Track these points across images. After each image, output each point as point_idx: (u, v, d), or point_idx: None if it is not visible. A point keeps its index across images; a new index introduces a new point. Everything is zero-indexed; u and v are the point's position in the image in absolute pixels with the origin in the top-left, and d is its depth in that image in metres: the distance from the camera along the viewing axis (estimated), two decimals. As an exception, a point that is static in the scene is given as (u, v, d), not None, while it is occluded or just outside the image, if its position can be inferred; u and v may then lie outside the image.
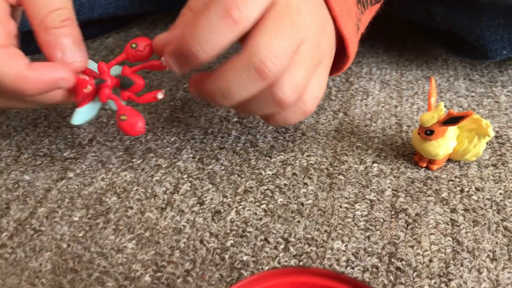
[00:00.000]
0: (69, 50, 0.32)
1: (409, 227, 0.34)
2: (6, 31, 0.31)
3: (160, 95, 0.34)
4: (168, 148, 0.41)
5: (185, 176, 0.38)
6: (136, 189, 0.37)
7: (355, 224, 0.35)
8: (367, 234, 0.34)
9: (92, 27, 0.57)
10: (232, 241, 0.33)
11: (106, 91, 0.34)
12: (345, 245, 0.33)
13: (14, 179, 0.37)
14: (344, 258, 0.32)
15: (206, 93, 0.33)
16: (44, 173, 0.38)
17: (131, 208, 0.35)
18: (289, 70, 0.32)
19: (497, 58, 0.49)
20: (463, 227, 0.34)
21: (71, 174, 0.38)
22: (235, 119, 0.44)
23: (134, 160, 0.39)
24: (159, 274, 0.31)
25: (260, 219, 0.35)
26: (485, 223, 0.35)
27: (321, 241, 0.33)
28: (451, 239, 0.34)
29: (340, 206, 0.36)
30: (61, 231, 0.34)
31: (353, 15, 0.37)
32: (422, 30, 0.58)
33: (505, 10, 0.45)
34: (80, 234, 0.33)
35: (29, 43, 0.37)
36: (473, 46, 0.49)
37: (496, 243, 0.33)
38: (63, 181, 0.37)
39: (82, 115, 0.34)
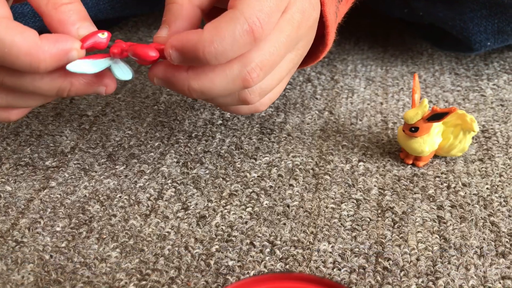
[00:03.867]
0: (83, 25, 0.31)
1: (396, 225, 0.34)
2: (7, 6, 0.30)
3: (153, 53, 0.31)
4: (152, 153, 0.40)
5: (169, 181, 0.38)
6: (120, 196, 0.36)
7: (341, 224, 0.34)
8: (354, 234, 0.34)
9: None
10: (217, 246, 0.33)
11: (119, 44, 0.32)
12: (332, 246, 0.33)
13: (-5, 190, 0.37)
14: (330, 260, 0.32)
15: (180, 86, 0.32)
16: (26, 183, 0.37)
17: (115, 216, 0.35)
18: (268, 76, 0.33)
19: (481, 50, 0.49)
20: (450, 224, 0.34)
21: (53, 183, 0.37)
22: (220, 122, 0.44)
23: (117, 166, 0.39)
24: (143, 282, 0.30)
25: (246, 222, 0.34)
26: (472, 219, 0.35)
27: (308, 243, 0.33)
28: (438, 237, 0.33)
29: (326, 207, 0.36)
30: (44, 242, 0.33)
31: (333, 1, 0.37)
32: (406, 24, 0.57)
33: (487, 1, 0.45)
34: (63, 245, 0.33)
35: None
36: (458, 39, 0.49)
37: (484, 239, 0.33)
38: (45, 191, 0.37)
39: (80, 65, 0.31)
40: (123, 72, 0.32)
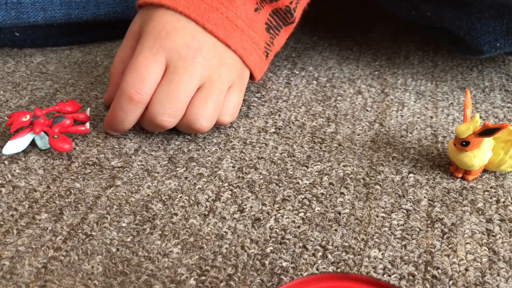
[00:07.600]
0: None
1: (445, 236, 0.35)
2: None
3: (87, 125, 0.45)
4: (209, 158, 0.43)
5: (225, 184, 0.40)
6: (180, 197, 0.39)
7: (391, 233, 0.35)
8: (404, 243, 0.35)
9: (101, 30, 0.60)
10: (271, 248, 0.35)
11: (40, 122, 0.42)
12: (382, 253, 0.34)
13: (66, 186, 0.40)
14: (381, 266, 0.33)
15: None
16: (94, 181, 0.40)
17: (176, 214, 0.37)
18: (201, 108, 0.41)
19: (492, 52, 0.47)
20: (499, 237, 0.35)
21: (118, 182, 0.40)
22: (272, 130, 0.46)
23: (177, 169, 0.41)
24: (203, 278, 0.33)
25: (298, 227, 0.36)
26: (521, 234, 0.35)
27: (358, 249, 0.34)
28: (487, 249, 0.34)
29: (377, 216, 0.37)
30: (111, 236, 0.36)
31: (261, 44, 0.45)
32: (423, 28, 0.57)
33: (495, 2, 0.44)
34: (128, 239, 0.35)
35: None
36: (468, 44, 0.48)
37: (533, 253, 0.34)
38: (111, 189, 0.40)
39: (13, 146, 0.41)
40: (44, 142, 0.43)
